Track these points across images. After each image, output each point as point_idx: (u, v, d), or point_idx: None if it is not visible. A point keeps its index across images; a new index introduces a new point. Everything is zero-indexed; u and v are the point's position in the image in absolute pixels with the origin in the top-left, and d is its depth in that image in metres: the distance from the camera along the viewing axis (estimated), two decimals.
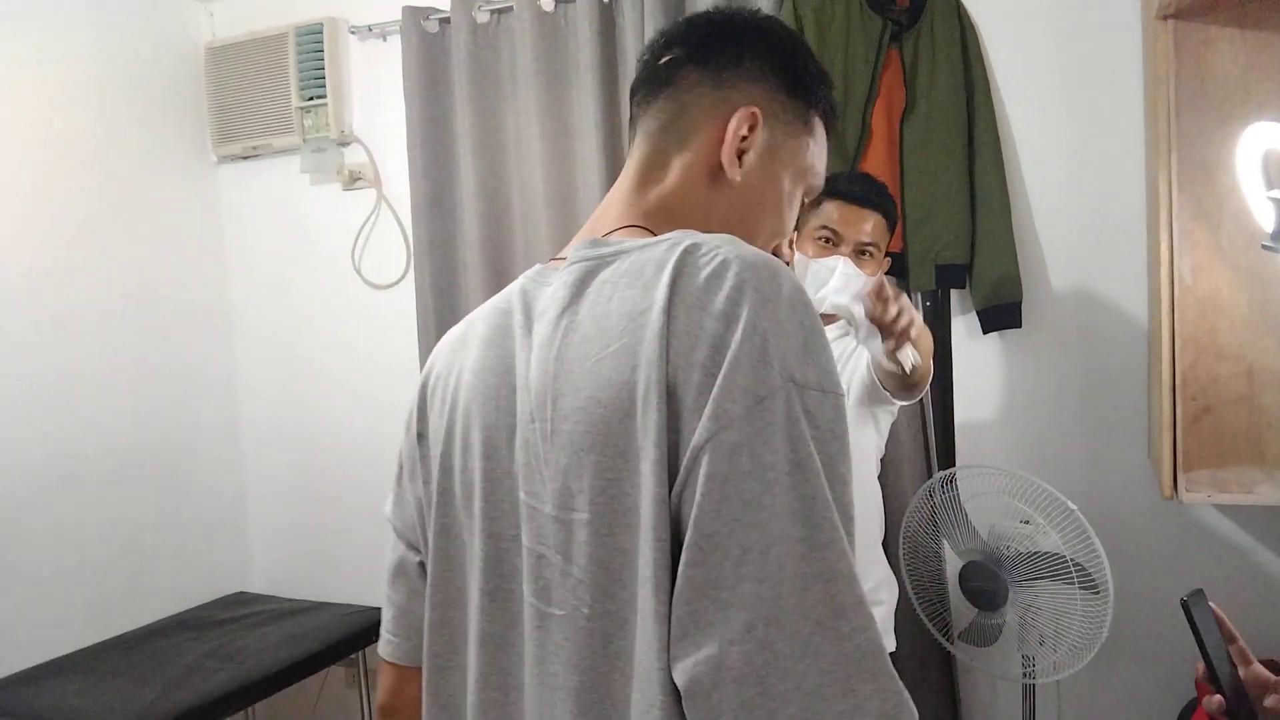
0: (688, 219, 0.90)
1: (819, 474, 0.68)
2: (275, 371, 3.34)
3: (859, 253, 1.95)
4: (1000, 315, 2.36)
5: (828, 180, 1.21)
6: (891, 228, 2.01)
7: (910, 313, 1.62)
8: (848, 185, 1.99)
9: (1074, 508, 2.01)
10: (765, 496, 0.67)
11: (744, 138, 0.90)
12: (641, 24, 2.55)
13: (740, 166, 0.90)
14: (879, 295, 1.64)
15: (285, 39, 3.08)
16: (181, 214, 3.26)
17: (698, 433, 0.69)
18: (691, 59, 0.92)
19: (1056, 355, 2.39)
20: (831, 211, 1.96)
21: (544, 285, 0.88)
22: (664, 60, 0.94)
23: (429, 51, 2.88)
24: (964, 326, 2.46)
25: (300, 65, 3.08)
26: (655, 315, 0.73)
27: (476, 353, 0.90)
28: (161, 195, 3.19)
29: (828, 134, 0.99)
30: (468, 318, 0.98)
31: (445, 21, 2.85)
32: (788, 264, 0.86)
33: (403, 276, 3.09)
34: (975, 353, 2.46)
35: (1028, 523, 2.13)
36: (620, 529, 0.74)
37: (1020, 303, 2.35)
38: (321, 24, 3.05)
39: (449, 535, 0.91)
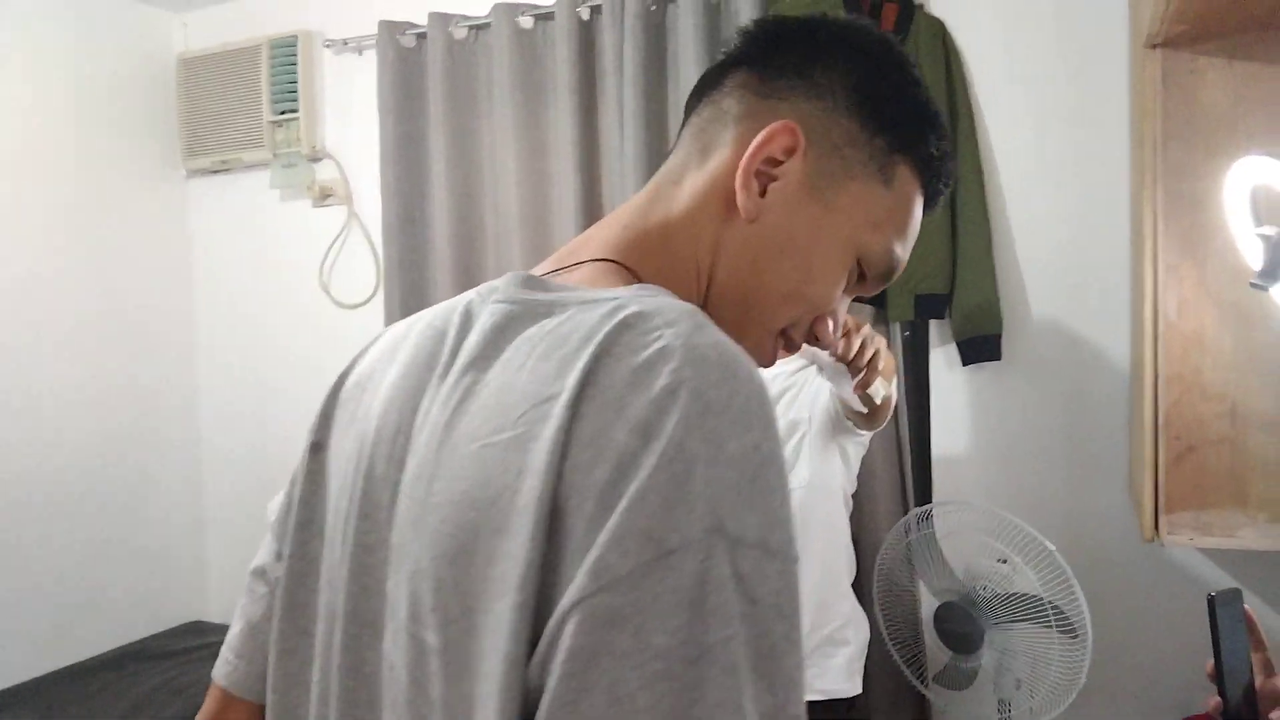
0: (684, 257, 0.72)
1: (736, 670, 0.48)
2: (239, 392, 3.25)
3: None
4: (980, 347, 2.30)
5: None
6: None
7: (874, 343, 1.56)
8: None
9: (1052, 548, 1.95)
10: (643, 695, 0.47)
11: (776, 161, 0.70)
12: (621, 43, 2.50)
13: (760, 197, 0.70)
14: (843, 332, 1.58)
15: (259, 51, 3.03)
16: (150, 228, 3.19)
17: (571, 588, 0.50)
18: (747, 59, 0.74)
19: (1036, 389, 2.33)
20: None
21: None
22: (720, 59, 0.77)
23: (404, 67, 2.82)
24: (943, 358, 2.40)
25: (273, 78, 3.02)
26: (559, 408, 0.54)
27: (394, 376, 0.70)
28: (130, 208, 3.13)
29: (927, 203, 0.76)
30: (410, 319, 0.77)
31: (422, 37, 2.80)
32: (826, 347, 0.74)
33: (372, 296, 3.02)
34: (954, 385, 2.40)
35: (1005, 562, 2.06)
36: (471, 677, 0.55)
37: (1000, 335, 2.29)
38: (296, 36, 2.99)
39: (304, 586, 0.72)
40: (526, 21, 2.64)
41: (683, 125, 0.79)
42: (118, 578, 3.01)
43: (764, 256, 0.71)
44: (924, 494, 2.38)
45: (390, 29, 2.81)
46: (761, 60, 0.74)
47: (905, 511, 2.33)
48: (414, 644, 0.59)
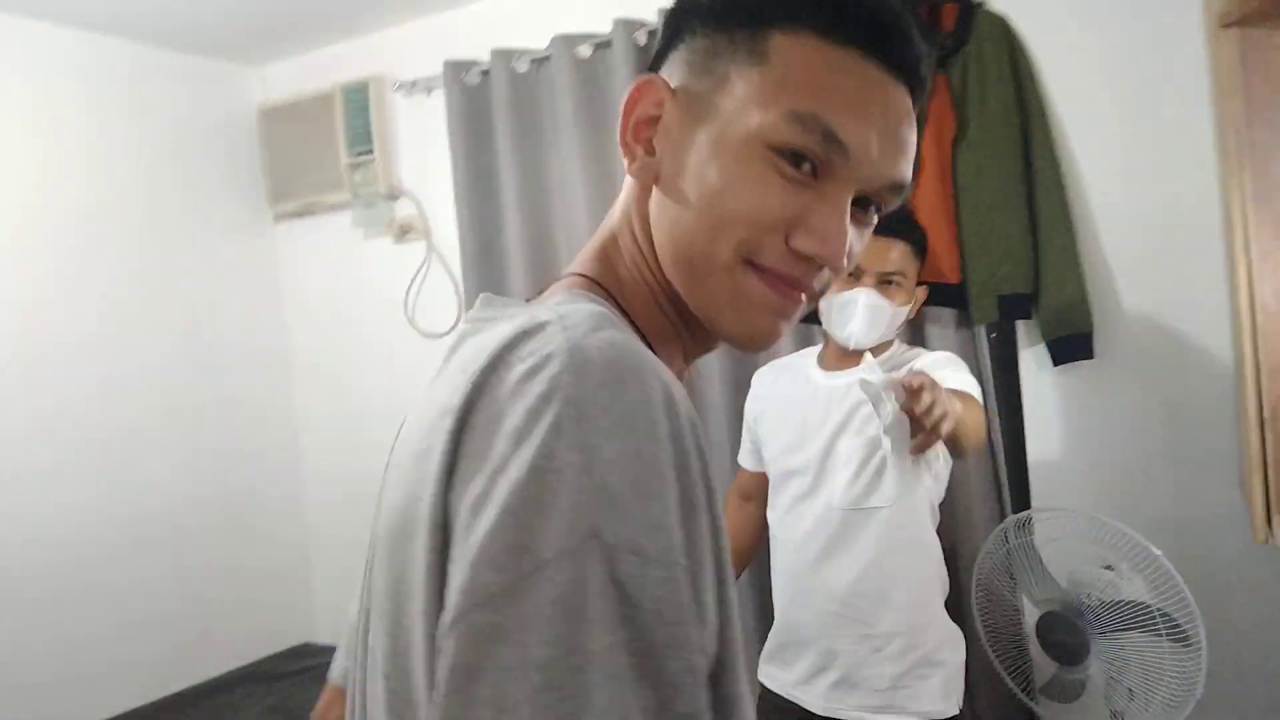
0: (629, 251, 0.71)
1: (620, 676, 0.49)
2: (335, 421, 3.36)
3: (883, 283, 1.88)
4: (1071, 346, 2.23)
5: None
6: (920, 255, 1.94)
7: (944, 405, 1.51)
8: None
9: (1159, 553, 1.87)
10: (526, 707, 0.48)
11: (652, 119, 0.68)
12: None
13: (651, 155, 0.68)
14: (912, 389, 1.53)
15: (332, 98, 3.11)
16: (241, 271, 3.32)
17: (450, 604, 0.51)
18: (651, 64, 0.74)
19: (1134, 387, 2.24)
20: None
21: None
22: None
23: (471, 104, 2.86)
24: (1033, 359, 2.33)
25: (348, 122, 3.10)
26: (451, 421, 0.56)
27: (424, 391, 0.71)
28: (221, 253, 3.26)
29: (858, 43, 0.64)
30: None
31: (485, 74, 2.84)
32: (822, 255, 0.65)
33: (454, 325, 3.07)
34: (1046, 387, 2.32)
35: (1110, 569, 1.99)
36: (406, 677, 0.57)
37: (1091, 332, 2.21)
38: (367, 82, 3.07)
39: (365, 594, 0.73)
40: (585, 51, 2.65)
41: None
42: (227, 603, 3.13)
43: (675, 205, 0.67)
44: (1021, 500, 2.31)
45: (455, 69, 2.86)
46: (655, 55, 0.73)
47: (1002, 518, 2.26)
48: (371, 654, 0.62)
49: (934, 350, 2.12)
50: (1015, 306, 2.24)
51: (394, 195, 3.15)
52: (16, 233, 2.70)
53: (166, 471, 3.02)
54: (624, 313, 0.69)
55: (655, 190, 0.69)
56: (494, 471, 0.52)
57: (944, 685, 1.88)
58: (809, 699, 1.92)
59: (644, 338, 0.67)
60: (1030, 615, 2.10)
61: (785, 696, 1.97)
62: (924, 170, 2.25)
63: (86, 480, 2.80)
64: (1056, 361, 2.25)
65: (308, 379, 3.42)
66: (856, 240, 0.68)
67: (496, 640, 0.49)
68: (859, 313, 1.86)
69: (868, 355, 1.89)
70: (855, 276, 1.88)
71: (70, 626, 2.75)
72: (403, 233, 3.15)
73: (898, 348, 2.02)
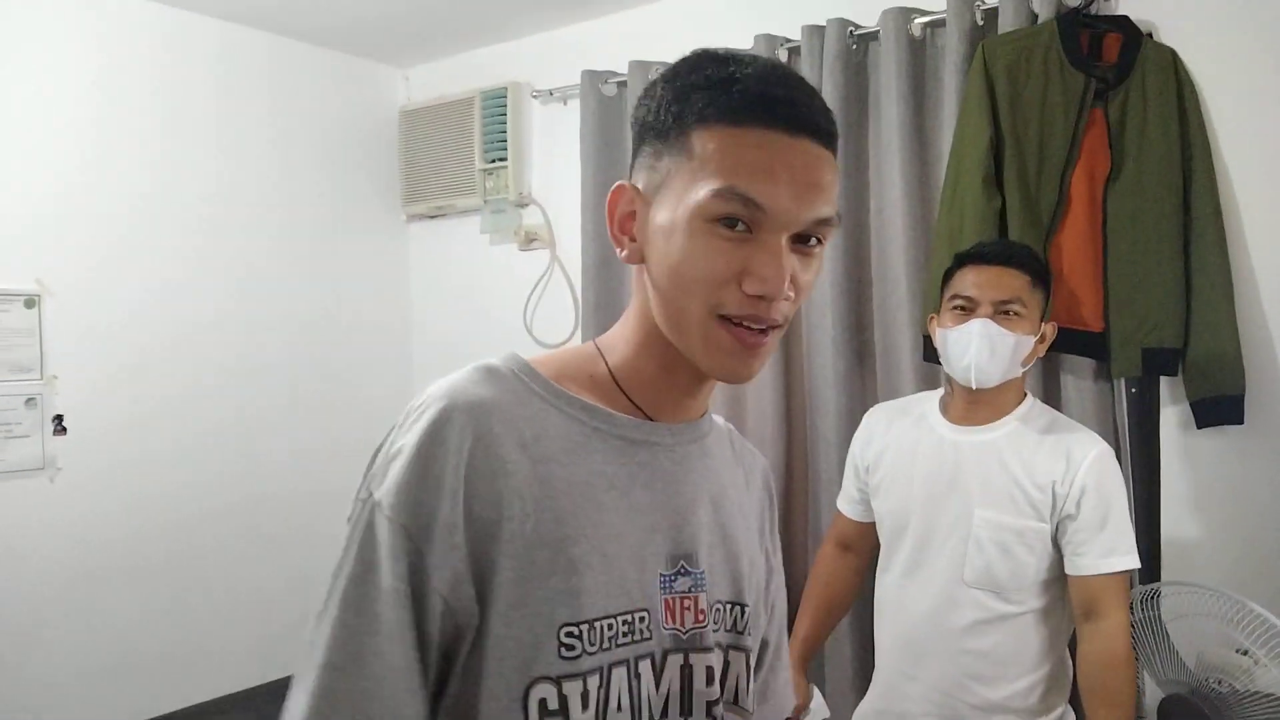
0: (637, 318, 0.90)
1: (342, 570, 0.80)
2: None
3: (1001, 313, 1.76)
4: (1218, 408, 2.06)
5: (959, 253, 1.08)
6: (1042, 287, 1.81)
7: None
8: (979, 248, 1.85)
9: None
10: (331, 588, 0.80)
11: (631, 214, 0.87)
12: (819, 81, 2.43)
13: (634, 243, 0.87)
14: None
15: (472, 102, 3.16)
16: (372, 270, 3.40)
17: None
18: None
19: None
20: (964, 277, 1.81)
21: None
22: None
23: (605, 114, 2.86)
24: (1175, 419, 2.17)
25: (485, 128, 3.14)
26: None
27: None
28: (354, 250, 3.34)
29: (755, 122, 0.80)
30: None
31: (622, 85, 2.83)
32: (769, 293, 0.80)
33: (570, 336, 3.06)
34: (1188, 450, 2.16)
35: (1245, 654, 1.82)
36: None
37: (1243, 395, 2.04)
38: (506, 88, 3.10)
39: None
40: None
41: None
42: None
43: (657, 279, 0.85)
44: (1151, 572, 2.14)
45: (593, 78, 2.86)
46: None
47: (1130, 589, 2.10)
48: None
49: (1072, 416, 2.00)
50: (1160, 361, 2.09)
51: (523, 203, 3.17)
52: (154, 220, 2.81)
53: (285, 462, 3.08)
54: (606, 364, 0.90)
55: (644, 269, 0.87)
56: None
57: None
58: None
59: (617, 381, 0.89)
60: (1152, 696, 1.94)
61: None
62: (1071, 210, 2.13)
63: (207, 465, 2.89)
64: (1201, 424, 2.09)
65: (426, 378, 3.43)
66: (802, 270, 0.83)
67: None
68: (975, 343, 1.75)
69: (1012, 420, 1.81)
70: (969, 310, 1.78)
71: (182, 606, 2.84)
72: (528, 240, 3.16)
73: (1032, 407, 1.85)
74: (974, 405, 1.83)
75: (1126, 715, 1.72)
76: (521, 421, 0.81)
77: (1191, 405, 2.09)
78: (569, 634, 0.80)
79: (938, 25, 2.34)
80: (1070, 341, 2.14)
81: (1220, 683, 1.83)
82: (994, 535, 1.76)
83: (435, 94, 3.30)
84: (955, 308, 1.80)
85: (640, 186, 0.86)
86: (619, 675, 0.83)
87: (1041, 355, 1.86)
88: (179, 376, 2.83)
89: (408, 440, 0.79)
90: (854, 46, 2.44)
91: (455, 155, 3.23)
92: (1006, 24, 2.21)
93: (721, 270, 0.80)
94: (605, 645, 0.82)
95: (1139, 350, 2.09)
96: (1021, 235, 2.10)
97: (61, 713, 2.51)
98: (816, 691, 2.06)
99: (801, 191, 0.80)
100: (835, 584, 2.05)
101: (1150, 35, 2.13)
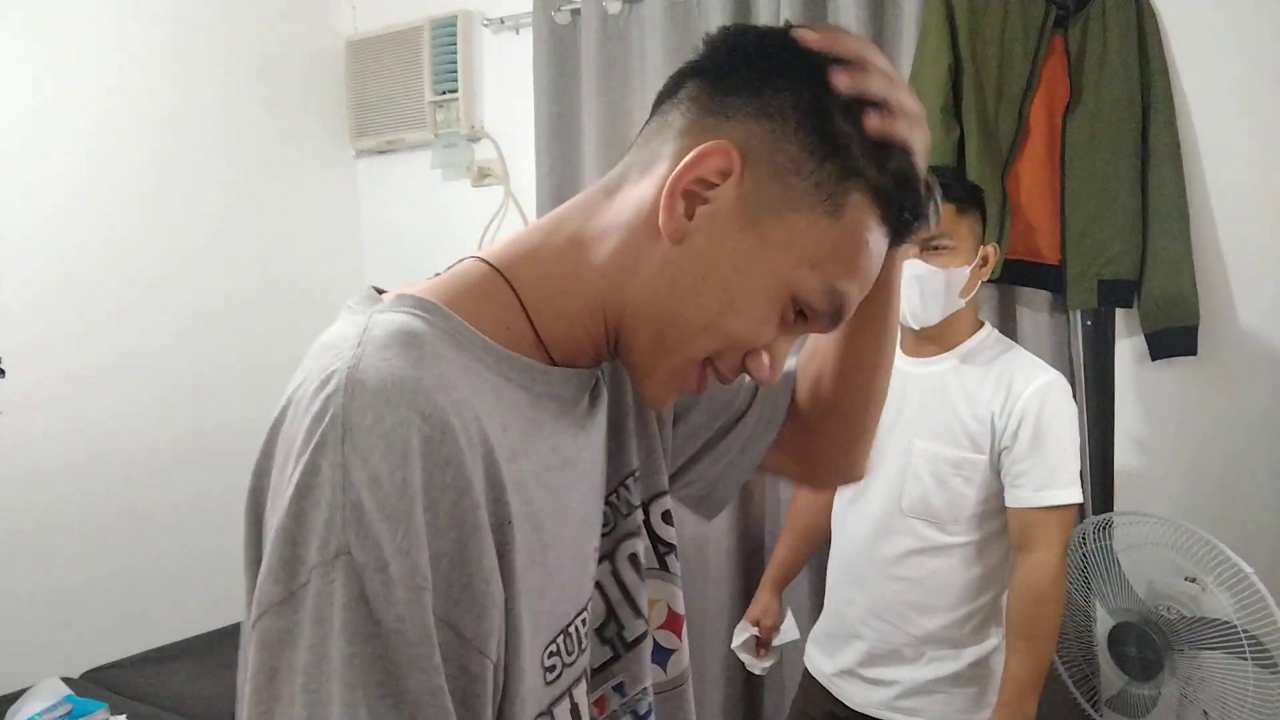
0: (591, 268, 0.69)
1: (355, 686, 0.53)
2: None
3: (928, 249, 1.72)
4: (1172, 340, 2.07)
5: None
6: (973, 209, 1.76)
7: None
8: None
9: (1249, 571, 1.73)
10: (297, 703, 0.53)
11: (709, 184, 0.66)
12: (778, 13, 2.37)
13: (688, 219, 0.66)
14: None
15: (421, 32, 3.05)
16: (321, 207, 3.30)
17: (249, 613, 0.56)
18: (703, 70, 0.69)
19: (1237, 389, 2.07)
20: None
21: None
22: (681, 66, 0.72)
23: (559, 44, 2.78)
24: (1130, 351, 2.17)
25: (434, 59, 3.04)
26: (274, 417, 0.63)
27: None
28: (302, 188, 3.23)
29: (894, 236, 0.70)
30: None
31: (576, 12, 2.75)
32: (761, 383, 0.70)
33: None
34: (1142, 382, 2.17)
35: (1193, 581, 1.86)
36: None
37: (1196, 326, 2.05)
38: (456, 16, 3.00)
39: None
40: None
41: (638, 133, 0.74)
42: None
43: (683, 281, 0.67)
44: (1103, 502, 2.17)
45: (546, 5, 2.77)
46: (715, 73, 0.68)
47: (1081, 519, 2.12)
48: None
49: (1027, 348, 2.00)
50: (1116, 293, 2.09)
51: (475, 137, 3.09)
52: (94, 153, 2.70)
53: (236, 399, 3.01)
54: (524, 310, 0.69)
55: (669, 248, 0.67)
56: (278, 487, 0.57)
57: (979, 695, 1.81)
58: (844, 692, 1.90)
59: (539, 334, 0.69)
60: (1103, 624, 1.98)
61: (823, 685, 1.94)
62: (1029, 139, 2.10)
63: (155, 402, 2.81)
64: (1155, 355, 2.10)
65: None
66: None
67: (283, 643, 0.53)
68: (904, 286, 1.71)
69: (960, 352, 1.81)
70: None
71: (143, 557, 2.78)
72: (481, 176, 3.09)
73: (985, 338, 1.83)
74: (923, 339, 1.83)
75: (1043, 650, 1.73)
76: (491, 410, 0.62)
77: (1146, 337, 2.10)
78: (551, 654, 0.67)
79: None
80: (1027, 274, 2.14)
81: (1169, 610, 1.86)
82: (931, 466, 1.76)
83: (383, 23, 3.18)
84: None
85: (742, 166, 0.65)
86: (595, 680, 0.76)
87: (985, 278, 1.84)
88: (119, 315, 2.73)
89: (383, 466, 0.54)
90: None
91: (404, 87, 3.13)
92: None
93: (755, 340, 0.68)
94: (582, 646, 0.71)
95: (1095, 282, 2.09)
96: (979, 166, 2.07)
97: (15, 658, 2.47)
98: (789, 613, 2.11)
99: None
100: (811, 512, 2.07)
101: None
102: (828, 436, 0.93)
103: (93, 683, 2.48)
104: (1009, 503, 1.75)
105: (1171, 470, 2.16)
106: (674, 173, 0.66)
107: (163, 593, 2.82)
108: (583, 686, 0.71)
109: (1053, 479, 1.71)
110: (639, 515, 0.83)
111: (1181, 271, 2.04)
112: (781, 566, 2.11)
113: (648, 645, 0.82)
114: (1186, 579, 1.86)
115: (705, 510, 0.97)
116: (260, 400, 3.05)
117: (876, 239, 0.68)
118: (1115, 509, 2.15)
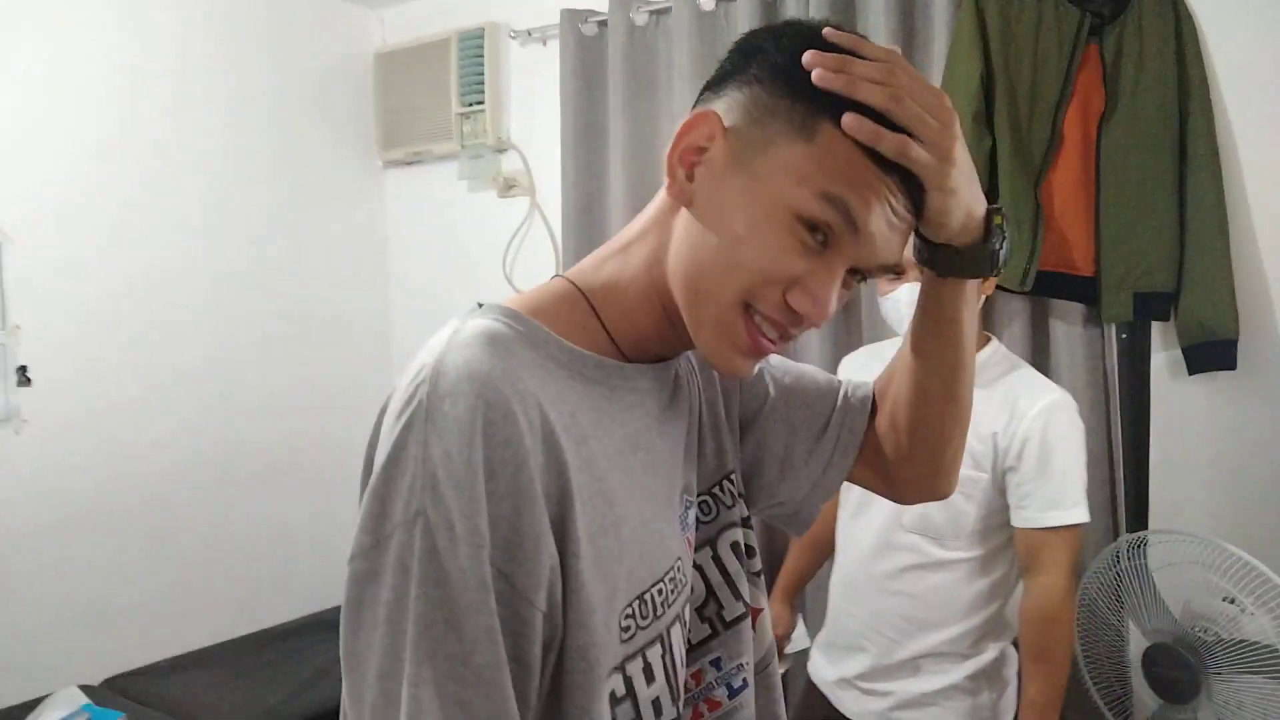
0: (640, 258, 0.81)
1: (424, 620, 0.64)
2: None
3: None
4: (1210, 354, 2.01)
5: None
6: None
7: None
8: None
9: None
10: (377, 633, 0.65)
11: (700, 149, 0.76)
12: (806, 13, 2.34)
13: (689, 182, 0.77)
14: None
15: (448, 44, 3.06)
16: (349, 217, 3.31)
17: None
18: (710, 82, 0.81)
19: (1277, 404, 2.01)
20: None
21: None
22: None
23: (586, 55, 2.77)
24: (1166, 365, 2.12)
25: (461, 71, 3.05)
26: (382, 405, 0.75)
27: None
28: (331, 199, 3.25)
29: (869, 153, 0.72)
30: None
31: (603, 24, 2.74)
32: (806, 316, 0.75)
33: None
34: (1179, 396, 2.11)
35: (1232, 602, 1.80)
36: None
37: (1236, 340, 2.00)
38: (483, 29, 3.01)
39: None
40: (708, 3, 2.53)
41: None
42: (313, 549, 3.11)
43: (697, 234, 0.76)
44: (1138, 518, 2.11)
45: (572, 17, 2.77)
46: (717, 75, 0.80)
47: (1115, 536, 2.08)
48: None
49: (1060, 362, 1.98)
50: (1152, 305, 2.04)
51: (501, 148, 3.08)
52: (118, 165, 2.71)
53: (257, 413, 3.02)
54: (595, 314, 0.81)
55: (685, 214, 0.77)
56: (376, 459, 0.69)
57: (974, 708, 1.80)
58: (841, 701, 1.90)
59: (611, 336, 0.81)
60: (1136, 644, 1.92)
61: (823, 692, 1.95)
62: (1064, 149, 2.06)
63: (180, 413, 2.82)
64: (1193, 370, 2.04)
65: (404, 331, 3.39)
66: (841, 297, 0.77)
67: (369, 581, 0.66)
68: (905, 310, 1.73)
69: (983, 360, 1.78)
70: (898, 274, 1.76)
71: (155, 558, 2.78)
72: (507, 187, 3.08)
73: (992, 355, 1.82)
74: None
75: (1059, 672, 1.73)
76: (558, 399, 0.72)
77: (1184, 351, 2.04)
78: (628, 616, 0.75)
79: None
80: (1060, 286, 2.10)
81: (1206, 631, 1.80)
82: None
83: (411, 35, 3.20)
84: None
85: (728, 125, 0.76)
86: (675, 632, 0.81)
87: (989, 293, 1.86)
88: (147, 326, 2.75)
89: (454, 443, 0.65)
90: None
91: (431, 99, 3.13)
92: None
93: (781, 271, 0.73)
94: (658, 612, 0.78)
95: (1131, 294, 2.05)
96: (1012, 177, 2.04)
97: (34, 667, 2.47)
98: (801, 621, 2.12)
99: (888, 239, 0.74)
100: (822, 522, 2.03)
101: None
102: (909, 459, 0.98)
103: (112, 691, 2.48)
104: (1015, 523, 1.75)
105: (1208, 487, 2.10)
106: (670, 146, 0.77)
107: (182, 602, 2.82)
108: (658, 649, 0.78)
109: (1059, 500, 1.71)
110: (742, 508, 0.94)
111: (1220, 284, 1.99)
112: (792, 575, 2.12)
113: (746, 626, 0.91)
114: (1224, 600, 1.80)
115: (795, 527, 1.06)
116: (282, 414, 3.07)
117: (865, 161, 0.72)
118: (1150, 527, 2.10)
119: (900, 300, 1.76)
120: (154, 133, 2.77)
